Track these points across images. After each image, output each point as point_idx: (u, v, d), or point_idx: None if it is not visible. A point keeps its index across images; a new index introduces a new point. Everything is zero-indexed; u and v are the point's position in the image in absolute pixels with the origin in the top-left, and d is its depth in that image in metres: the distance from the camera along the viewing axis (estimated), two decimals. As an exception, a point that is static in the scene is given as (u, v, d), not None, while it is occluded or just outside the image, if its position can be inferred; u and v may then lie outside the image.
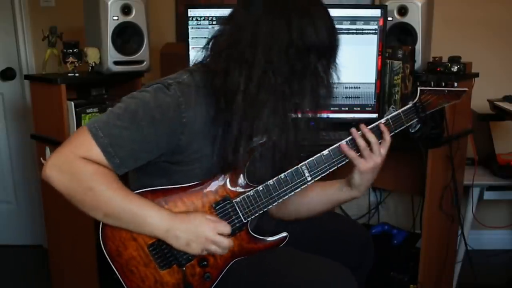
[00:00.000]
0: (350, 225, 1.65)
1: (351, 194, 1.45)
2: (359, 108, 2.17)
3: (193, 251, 1.26)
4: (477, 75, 2.19)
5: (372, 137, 1.35)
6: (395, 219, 2.85)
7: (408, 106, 1.42)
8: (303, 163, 1.34)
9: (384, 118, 1.40)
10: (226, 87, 1.22)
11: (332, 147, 1.37)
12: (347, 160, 1.37)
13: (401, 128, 1.42)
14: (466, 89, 1.52)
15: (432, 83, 2.01)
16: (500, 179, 2.42)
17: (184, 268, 1.31)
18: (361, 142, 1.34)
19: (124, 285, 1.31)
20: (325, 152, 1.36)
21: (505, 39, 2.73)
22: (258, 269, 1.33)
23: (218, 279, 1.34)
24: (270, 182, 1.32)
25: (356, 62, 2.11)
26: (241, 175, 1.32)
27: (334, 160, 1.37)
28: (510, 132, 2.78)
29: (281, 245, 1.37)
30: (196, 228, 1.24)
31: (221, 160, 1.27)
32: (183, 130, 1.23)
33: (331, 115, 2.17)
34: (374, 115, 2.18)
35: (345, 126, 2.12)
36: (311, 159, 1.35)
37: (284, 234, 1.38)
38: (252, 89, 1.21)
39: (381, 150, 1.36)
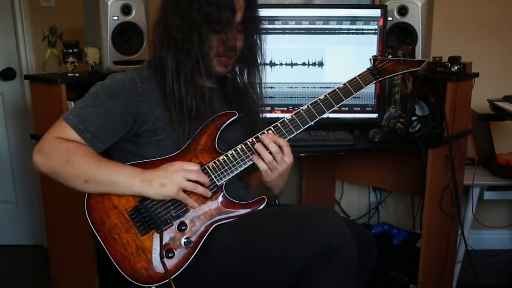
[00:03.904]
0: (352, 226, 1.64)
1: (272, 192, 1.52)
2: (359, 108, 2.17)
3: (170, 190, 1.34)
4: (477, 75, 2.19)
5: (273, 147, 1.40)
6: (395, 219, 2.85)
7: (363, 71, 1.52)
8: (269, 127, 1.43)
9: (337, 86, 1.48)
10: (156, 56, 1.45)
11: (294, 112, 1.45)
12: (311, 123, 1.45)
13: (360, 90, 1.50)
14: (425, 59, 1.63)
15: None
16: (500, 179, 2.42)
17: (161, 232, 1.35)
18: (266, 156, 1.40)
19: (109, 255, 1.35)
20: (288, 116, 1.45)
21: (505, 39, 2.73)
22: (239, 231, 1.36)
23: (200, 244, 1.37)
24: (239, 146, 1.43)
25: (356, 62, 2.11)
26: (213, 144, 1.43)
27: (298, 123, 1.44)
28: (510, 132, 2.78)
29: (260, 207, 1.42)
30: (165, 169, 1.36)
31: (178, 124, 1.40)
32: (142, 99, 1.40)
33: (331, 115, 2.17)
34: (374, 115, 2.18)
35: (345, 126, 2.14)
36: (275, 123, 1.44)
37: (262, 197, 1.44)
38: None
39: (284, 158, 1.41)
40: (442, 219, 2.18)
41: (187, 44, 1.39)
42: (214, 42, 1.42)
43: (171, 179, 1.33)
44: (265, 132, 1.43)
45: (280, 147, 1.40)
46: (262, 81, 1.57)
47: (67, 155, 1.34)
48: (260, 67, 1.56)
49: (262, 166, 1.41)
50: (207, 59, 1.42)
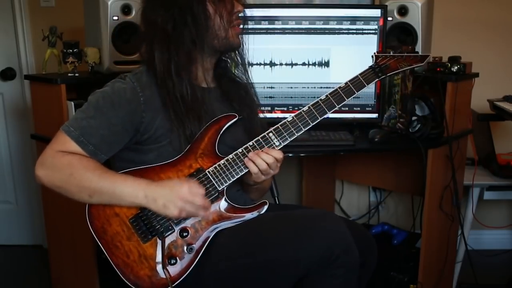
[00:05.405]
0: (352, 227, 1.64)
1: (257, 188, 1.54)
2: (359, 108, 2.17)
3: (171, 212, 1.31)
4: (477, 75, 2.19)
5: (269, 158, 1.38)
6: (395, 219, 2.85)
7: (365, 69, 1.48)
8: (270, 129, 1.42)
9: (338, 86, 1.45)
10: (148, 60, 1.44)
11: (295, 113, 1.43)
12: (312, 124, 1.43)
13: (362, 89, 1.47)
14: (429, 54, 1.60)
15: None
16: (500, 179, 2.42)
17: (163, 239, 1.34)
18: (261, 164, 1.38)
19: (112, 262, 1.35)
20: (289, 118, 1.43)
21: (505, 39, 2.73)
22: (241, 235, 1.36)
23: (202, 251, 1.36)
24: (239, 150, 1.40)
25: (356, 62, 2.11)
26: (213, 148, 1.40)
27: (300, 125, 1.42)
28: (510, 132, 2.78)
29: (262, 211, 1.41)
30: (171, 189, 1.32)
31: (179, 129, 1.39)
32: (144, 108, 1.38)
33: (331, 115, 2.17)
34: (374, 115, 2.18)
35: (345, 126, 2.14)
36: (276, 125, 1.42)
37: (264, 201, 1.44)
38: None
39: (277, 165, 1.41)
40: (442, 219, 2.18)
41: (181, 29, 1.37)
42: (215, 16, 1.40)
43: (174, 203, 1.30)
44: (266, 135, 1.41)
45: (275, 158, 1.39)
46: (251, 81, 1.58)
47: (69, 169, 1.32)
48: (248, 67, 1.56)
49: (253, 169, 1.39)
50: (206, 35, 1.40)
